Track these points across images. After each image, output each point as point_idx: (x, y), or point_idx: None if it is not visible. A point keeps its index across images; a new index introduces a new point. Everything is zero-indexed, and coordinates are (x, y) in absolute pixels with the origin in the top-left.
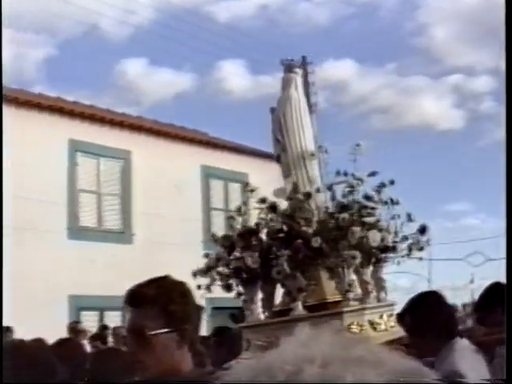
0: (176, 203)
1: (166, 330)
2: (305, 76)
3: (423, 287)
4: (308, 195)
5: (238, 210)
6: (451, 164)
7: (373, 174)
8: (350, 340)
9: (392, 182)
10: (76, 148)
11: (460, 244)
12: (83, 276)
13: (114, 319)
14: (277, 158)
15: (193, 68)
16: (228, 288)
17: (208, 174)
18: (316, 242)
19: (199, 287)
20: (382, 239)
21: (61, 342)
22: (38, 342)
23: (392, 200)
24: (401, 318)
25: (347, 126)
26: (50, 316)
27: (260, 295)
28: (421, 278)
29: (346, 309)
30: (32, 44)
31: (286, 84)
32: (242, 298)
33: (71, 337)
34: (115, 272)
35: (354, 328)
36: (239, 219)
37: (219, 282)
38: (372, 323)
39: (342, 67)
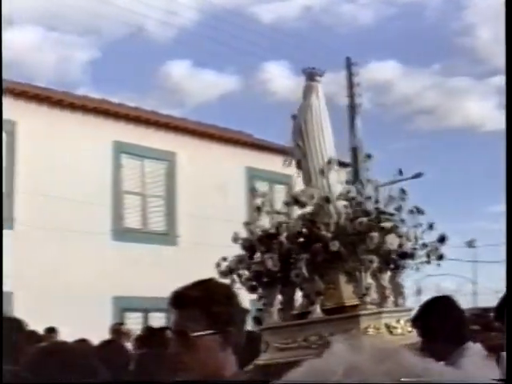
0: (220, 205)
1: (209, 332)
2: (349, 77)
3: (467, 289)
4: (327, 200)
5: (257, 209)
6: (496, 165)
7: (417, 175)
8: (387, 351)
9: (403, 191)
10: (121, 150)
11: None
12: (127, 277)
13: (158, 321)
14: (297, 164)
15: (237, 69)
16: (253, 289)
17: (253, 175)
18: (334, 245)
19: None
20: (400, 245)
21: (104, 344)
22: (82, 344)
23: (418, 209)
24: (414, 322)
25: (391, 127)
26: (94, 317)
27: (279, 298)
28: (465, 280)
29: (362, 312)
30: (77, 46)
31: (307, 92)
32: (262, 300)
33: (114, 338)
34: (159, 273)
35: (371, 331)
36: (258, 223)
37: (238, 285)
38: (388, 327)
39: (386, 68)
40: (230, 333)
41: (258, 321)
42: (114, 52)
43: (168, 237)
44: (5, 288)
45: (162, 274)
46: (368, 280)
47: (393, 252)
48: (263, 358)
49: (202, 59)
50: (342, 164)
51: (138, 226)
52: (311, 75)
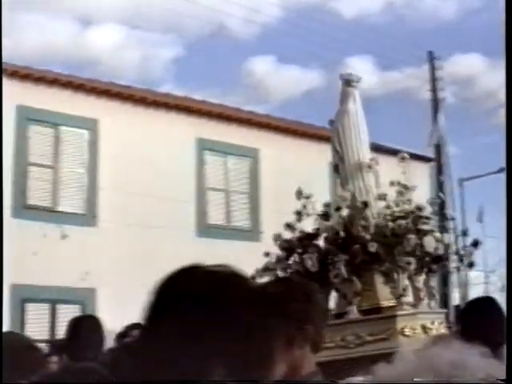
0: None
1: (288, 329)
2: (432, 71)
3: None
4: (365, 204)
5: (298, 214)
6: None
7: (502, 169)
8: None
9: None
10: (204, 146)
11: None
12: None
13: None
14: (335, 168)
15: (320, 65)
16: None
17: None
18: (372, 247)
19: None
20: (436, 248)
21: None
22: None
23: (452, 216)
24: (457, 321)
25: (475, 121)
26: None
27: None
28: None
29: (399, 312)
30: (160, 44)
31: (344, 97)
32: None
33: None
34: (243, 270)
35: (407, 331)
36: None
37: None
38: (424, 328)
39: (470, 61)
40: (308, 331)
41: None
42: (197, 50)
43: (252, 233)
44: (88, 284)
45: (246, 270)
46: (405, 281)
47: (428, 255)
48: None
49: (285, 55)
50: (424, 159)
51: (221, 223)
52: (348, 81)
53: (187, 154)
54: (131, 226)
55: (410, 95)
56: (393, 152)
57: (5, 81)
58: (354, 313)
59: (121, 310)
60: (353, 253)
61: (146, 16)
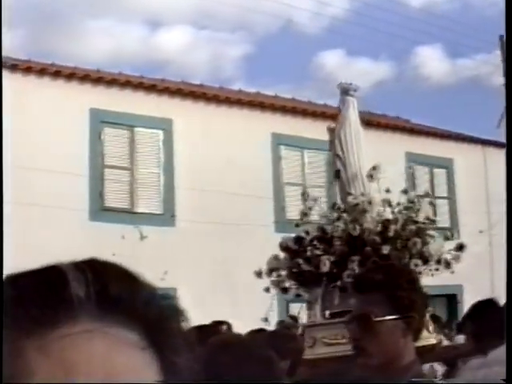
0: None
1: (392, 317)
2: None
3: None
4: (364, 211)
5: (304, 215)
6: None
7: None
8: None
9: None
10: (280, 141)
11: None
12: None
13: None
14: (336, 173)
15: (390, 55)
16: (300, 286)
17: (412, 160)
18: (385, 249)
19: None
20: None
21: (274, 335)
22: (255, 335)
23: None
24: (462, 325)
25: None
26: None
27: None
28: None
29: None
30: (229, 43)
31: (343, 105)
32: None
33: (286, 329)
34: None
35: None
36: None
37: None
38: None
39: None
40: (413, 318)
41: (294, 318)
42: (265, 46)
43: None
44: (167, 284)
45: None
46: None
47: (432, 257)
48: (312, 353)
49: (355, 47)
50: (499, 145)
51: (298, 217)
52: (346, 90)
53: (263, 149)
54: (209, 224)
55: (481, 81)
56: (467, 139)
57: (77, 85)
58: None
59: (200, 308)
60: (365, 254)
61: (214, 16)
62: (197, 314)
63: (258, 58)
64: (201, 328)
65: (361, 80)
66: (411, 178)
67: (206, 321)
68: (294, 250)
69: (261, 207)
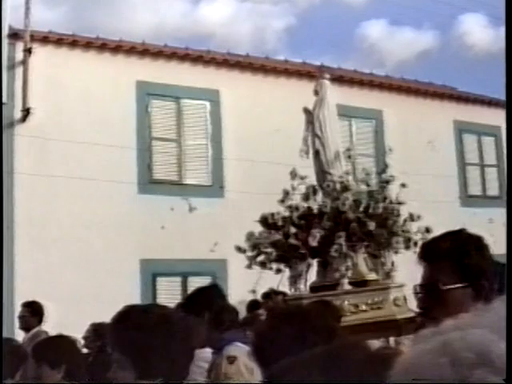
0: (430, 160)
1: (461, 284)
2: None
3: None
4: (345, 188)
5: (286, 194)
6: None
7: None
8: None
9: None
10: None
11: None
12: None
13: None
14: (315, 154)
15: (434, 25)
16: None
17: (461, 129)
18: (371, 225)
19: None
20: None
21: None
22: (316, 305)
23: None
24: None
25: None
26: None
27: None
28: None
29: (392, 285)
30: (271, 15)
31: (320, 87)
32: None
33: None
34: None
35: (399, 302)
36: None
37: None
38: (405, 299)
39: None
40: (482, 286)
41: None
42: (308, 18)
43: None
44: (218, 256)
45: None
46: (392, 258)
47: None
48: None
49: (397, 17)
50: None
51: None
52: (322, 73)
53: None
54: (258, 194)
55: None
56: None
57: (123, 58)
58: (346, 285)
59: (252, 279)
60: (352, 231)
61: None
62: (248, 285)
63: (300, 29)
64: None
65: (404, 50)
66: (459, 146)
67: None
68: (280, 225)
69: (311, 177)
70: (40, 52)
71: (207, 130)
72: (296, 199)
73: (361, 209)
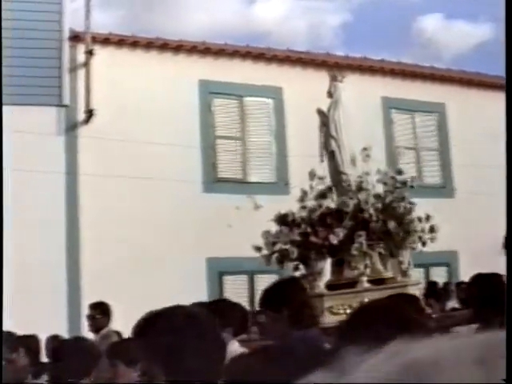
0: (493, 151)
1: None
2: None
3: None
4: (360, 188)
5: (301, 199)
6: None
7: None
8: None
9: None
10: (390, 105)
11: None
12: None
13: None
14: (330, 155)
15: (488, 18)
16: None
17: None
18: (390, 224)
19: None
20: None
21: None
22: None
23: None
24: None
25: None
26: None
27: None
28: None
29: (410, 282)
30: (326, 12)
31: (335, 90)
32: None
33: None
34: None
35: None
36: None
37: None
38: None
39: None
40: None
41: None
42: (364, 14)
43: (444, 189)
44: None
45: (442, 227)
46: (409, 257)
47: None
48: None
49: (453, 11)
50: None
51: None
52: (334, 77)
53: (374, 114)
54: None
55: None
56: None
57: (184, 57)
58: (364, 282)
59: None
60: (372, 230)
61: None
62: None
63: (357, 25)
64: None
65: (460, 43)
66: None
67: None
68: (297, 223)
69: (374, 171)
70: (101, 53)
71: (271, 127)
72: (316, 199)
73: (379, 207)
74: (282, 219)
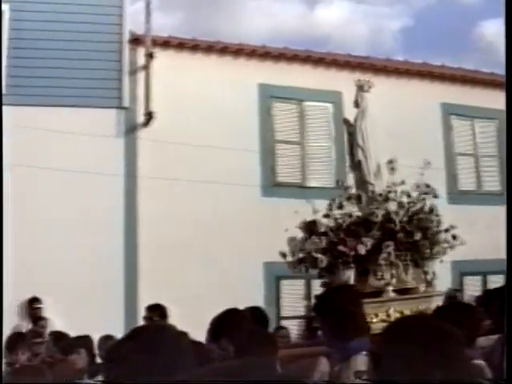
0: None
1: None
2: None
3: None
4: (387, 198)
5: (330, 206)
6: None
7: None
8: None
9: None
10: (450, 111)
11: None
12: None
13: (496, 283)
14: (357, 164)
15: None
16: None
17: None
18: (417, 235)
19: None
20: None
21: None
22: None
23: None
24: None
25: None
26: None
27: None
28: None
29: (435, 292)
30: (387, 17)
31: (361, 100)
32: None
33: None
34: (496, 235)
35: None
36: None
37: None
38: None
39: None
40: None
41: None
42: (425, 19)
43: (503, 197)
44: None
45: (499, 235)
46: (434, 268)
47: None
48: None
49: None
50: None
51: (472, 188)
52: (361, 87)
53: (432, 120)
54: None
55: None
56: None
57: (244, 61)
58: (390, 292)
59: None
60: (399, 240)
61: None
62: None
63: (417, 30)
64: None
65: None
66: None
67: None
68: (323, 232)
69: (432, 178)
70: (161, 56)
71: (330, 132)
72: (345, 208)
73: (405, 219)
74: (310, 226)
